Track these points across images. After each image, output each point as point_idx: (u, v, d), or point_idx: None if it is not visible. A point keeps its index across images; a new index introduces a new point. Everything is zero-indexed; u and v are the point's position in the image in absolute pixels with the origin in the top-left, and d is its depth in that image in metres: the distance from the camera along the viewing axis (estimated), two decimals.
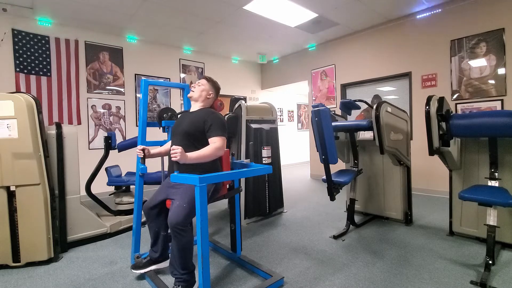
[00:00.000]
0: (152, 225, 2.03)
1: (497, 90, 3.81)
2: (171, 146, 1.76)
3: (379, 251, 2.46)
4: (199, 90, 2.04)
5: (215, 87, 2.11)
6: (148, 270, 2.05)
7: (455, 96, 4.19)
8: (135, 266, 2.07)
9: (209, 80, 2.10)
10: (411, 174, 3.18)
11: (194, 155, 1.76)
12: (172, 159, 1.68)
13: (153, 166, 3.35)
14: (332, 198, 2.59)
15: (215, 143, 1.85)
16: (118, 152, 3.30)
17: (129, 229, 3.11)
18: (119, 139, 5.13)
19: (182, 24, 4.80)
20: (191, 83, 6.30)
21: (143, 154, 2.08)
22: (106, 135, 3.22)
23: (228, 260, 2.36)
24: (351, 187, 3.02)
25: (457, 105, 4.17)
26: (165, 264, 2.11)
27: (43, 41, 4.45)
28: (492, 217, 2.01)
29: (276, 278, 1.94)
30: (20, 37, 4.27)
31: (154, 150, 2.17)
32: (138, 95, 5.42)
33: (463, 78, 4.10)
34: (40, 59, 4.43)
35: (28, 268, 2.28)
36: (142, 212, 2.14)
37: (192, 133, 1.90)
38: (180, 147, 1.68)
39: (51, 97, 4.52)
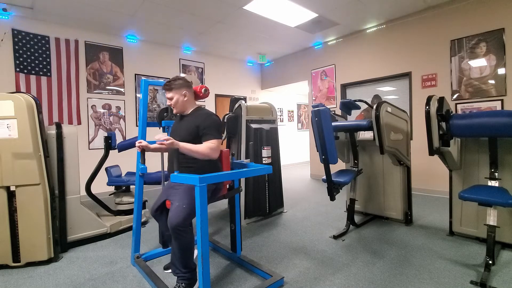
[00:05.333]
0: (160, 225, 2.09)
1: (497, 90, 3.81)
2: (169, 152, 1.81)
3: (379, 251, 2.46)
4: (176, 104, 1.96)
5: (182, 85, 1.96)
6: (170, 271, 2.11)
7: (455, 96, 4.19)
8: (167, 267, 2.18)
9: (171, 88, 1.94)
10: (411, 174, 3.18)
11: (187, 146, 1.76)
12: (158, 144, 1.79)
13: (153, 166, 3.35)
14: (332, 198, 2.59)
15: (211, 144, 1.82)
16: (118, 152, 3.30)
17: (129, 229, 3.11)
18: (119, 139, 5.13)
19: (182, 24, 4.80)
20: (191, 83, 6.29)
21: (141, 148, 2.06)
22: (106, 135, 3.22)
23: (228, 260, 2.36)
24: (351, 187, 3.02)
25: (457, 105, 4.17)
26: None
27: (43, 41, 4.45)
28: (492, 217, 2.01)
29: (276, 278, 1.94)
30: (20, 37, 4.27)
31: (153, 145, 2.15)
32: (138, 95, 5.42)
33: (463, 78, 4.10)
34: (40, 59, 4.43)
35: (28, 268, 2.28)
36: (142, 212, 2.16)
37: (190, 141, 1.87)
38: (170, 138, 1.74)
39: (51, 97, 4.52)
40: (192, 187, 1.77)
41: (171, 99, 1.96)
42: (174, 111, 2.03)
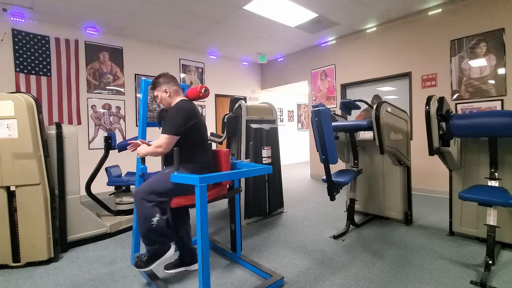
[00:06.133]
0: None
1: (497, 90, 3.81)
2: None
3: (379, 251, 2.46)
4: (161, 101, 2.07)
5: (162, 82, 2.03)
6: (179, 270, 2.14)
7: (455, 96, 4.19)
8: (167, 267, 2.16)
9: (154, 86, 2.07)
10: (411, 174, 3.18)
11: (142, 150, 1.91)
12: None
13: (153, 166, 3.35)
14: (332, 198, 2.59)
15: (156, 141, 1.86)
16: (118, 152, 3.30)
17: (129, 229, 3.11)
18: (119, 139, 5.13)
19: (182, 24, 4.80)
20: (191, 83, 6.30)
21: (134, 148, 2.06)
22: (106, 135, 3.22)
23: (228, 260, 2.36)
24: (351, 187, 3.01)
25: (457, 105, 4.17)
26: (194, 267, 2.16)
27: (43, 41, 4.45)
28: (492, 217, 2.01)
29: (276, 278, 1.94)
30: (20, 37, 4.27)
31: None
32: (138, 95, 5.42)
33: (463, 78, 4.10)
34: (40, 59, 4.43)
35: (28, 268, 2.28)
36: None
37: None
38: (141, 143, 1.95)
39: (51, 97, 4.52)
40: (163, 173, 1.90)
41: (156, 96, 2.09)
42: (164, 108, 2.16)
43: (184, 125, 1.86)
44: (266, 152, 3.37)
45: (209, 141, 3.91)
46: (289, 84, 7.05)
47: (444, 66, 4.28)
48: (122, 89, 5.26)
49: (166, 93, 2.03)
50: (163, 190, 1.81)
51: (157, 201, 1.80)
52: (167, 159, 2.00)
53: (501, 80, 3.77)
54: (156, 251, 1.83)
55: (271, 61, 7.40)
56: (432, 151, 2.27)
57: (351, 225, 2.98)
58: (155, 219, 1.78)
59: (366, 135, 3.17)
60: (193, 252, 2.17)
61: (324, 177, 2.60)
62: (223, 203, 4.10)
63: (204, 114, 6.49)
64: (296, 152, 8.76)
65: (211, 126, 6.63)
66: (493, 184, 2.18)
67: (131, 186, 3.34)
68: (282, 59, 7.12)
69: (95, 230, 2.81)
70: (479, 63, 3.95)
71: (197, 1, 3.99)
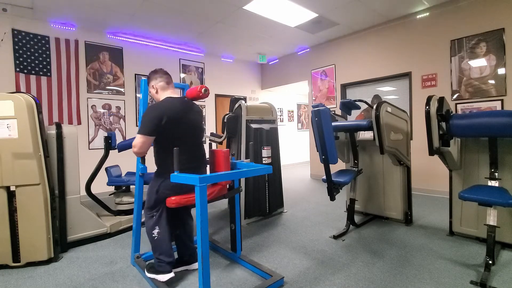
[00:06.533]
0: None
1: (497, 90, 3.81)
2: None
3: (379, 251, 2.46)
4: (152, 97, 2.10)
5: (150, 79, 2.05)
6: (178, 270, 2.14)
7: (455, 96, 4.19)
8: None
9: (147, 83, 2.12)
10: (411, 174, 3.18)
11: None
12: None
13: (153, 166, 3.35)
14: (332, 198, 2.59)
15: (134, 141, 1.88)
16: (118, 152, 3.29)
17: (129, 229, 3.11)
18: (119, 139, 5.13)
19: (182, 24, 4.80)
20: (191, 83, 6.30)
21: None
22: (106, 135, 3.22)
23: (228, 260, 2.36)
24: (351, 187, 3.01)
25: (457, 105, 4.17)
26: (194, 266, 2.17)
27: (43, 41, 4.45)
28: (492, 217, 2.01)
29: (276, 278, 1.94)
30: (20, 37, 4.27)
31: None
32: (138, 95, 5.43)
33: (463, 78, 4.10)
34: (40, 59, 4.43)
35: (28, 268, 2.28)
36: (142, 212, 2.18)
37: None
38: None
39: (51, 97, 4.52)
40: (152, 183, 1.98)
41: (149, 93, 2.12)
42: None
43: (156, 124, 1.78)
44: (266, 152, 3.37)
45: (209, 141, 3.92)
46: (289, 84, 7.05)
47: (444, 66, 4.28)
48: (122, 89, 5.26)
49: (154, 89, 2.04)
50: (154, 202, 1.96)
51: (154, 212, 1.96)
52: (155, 161, 2.04)
53: (501, 80, 3.77)
54: (156, 265, 1.95)
55: (271, 61, 7.39)
56: (432, 151, 2.27)
57: (351, 225, 2.98)
58: (155, 231, 1.94)
59: (366, 135, 3.17)
60: (192, 251, 2.17)
61: (324, 177, 2.60)
62: (223, 203, 4.10)
63: (204, 114, 6.49)
64: (296, 152, 8.76)
65: (211, 126, 6.63)
66: (493, 184, 2.18)
67: (131, 186, 3.33)
68: (282, 59, 7.12)
69: (95, 230, 2.81)
70: (479, 63, 3.95)
71: (197, 1, 3.99)
